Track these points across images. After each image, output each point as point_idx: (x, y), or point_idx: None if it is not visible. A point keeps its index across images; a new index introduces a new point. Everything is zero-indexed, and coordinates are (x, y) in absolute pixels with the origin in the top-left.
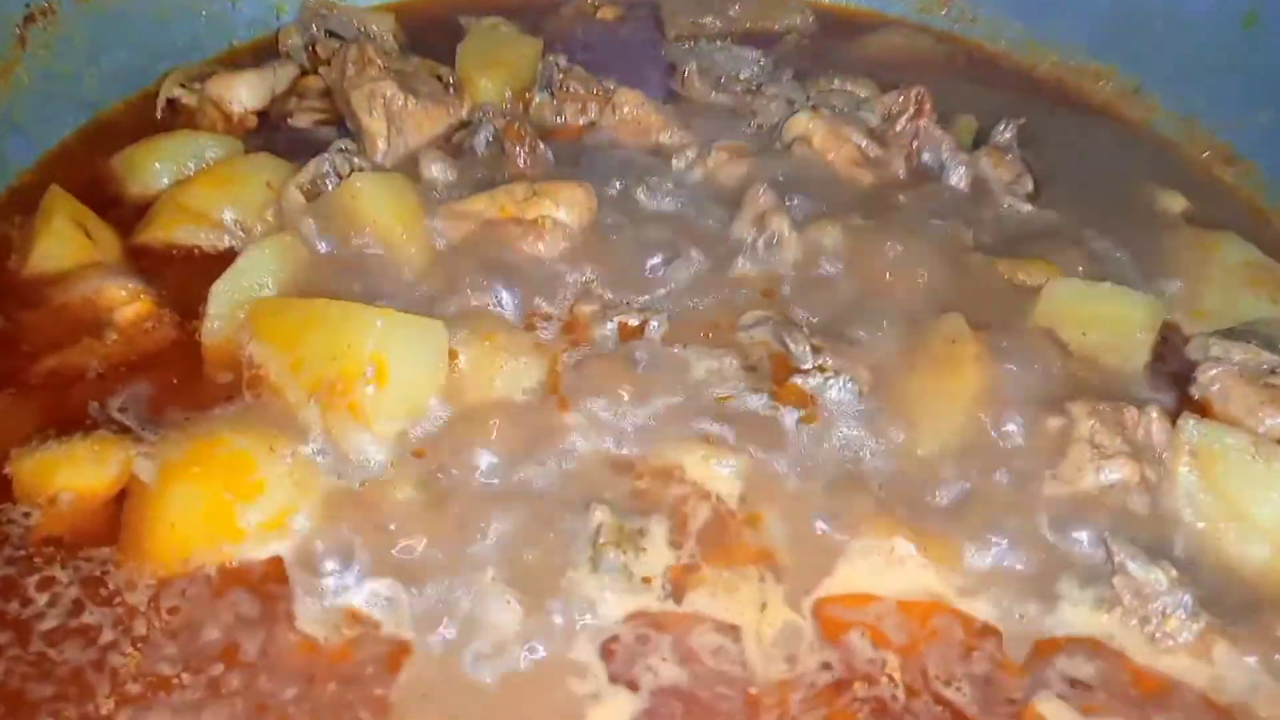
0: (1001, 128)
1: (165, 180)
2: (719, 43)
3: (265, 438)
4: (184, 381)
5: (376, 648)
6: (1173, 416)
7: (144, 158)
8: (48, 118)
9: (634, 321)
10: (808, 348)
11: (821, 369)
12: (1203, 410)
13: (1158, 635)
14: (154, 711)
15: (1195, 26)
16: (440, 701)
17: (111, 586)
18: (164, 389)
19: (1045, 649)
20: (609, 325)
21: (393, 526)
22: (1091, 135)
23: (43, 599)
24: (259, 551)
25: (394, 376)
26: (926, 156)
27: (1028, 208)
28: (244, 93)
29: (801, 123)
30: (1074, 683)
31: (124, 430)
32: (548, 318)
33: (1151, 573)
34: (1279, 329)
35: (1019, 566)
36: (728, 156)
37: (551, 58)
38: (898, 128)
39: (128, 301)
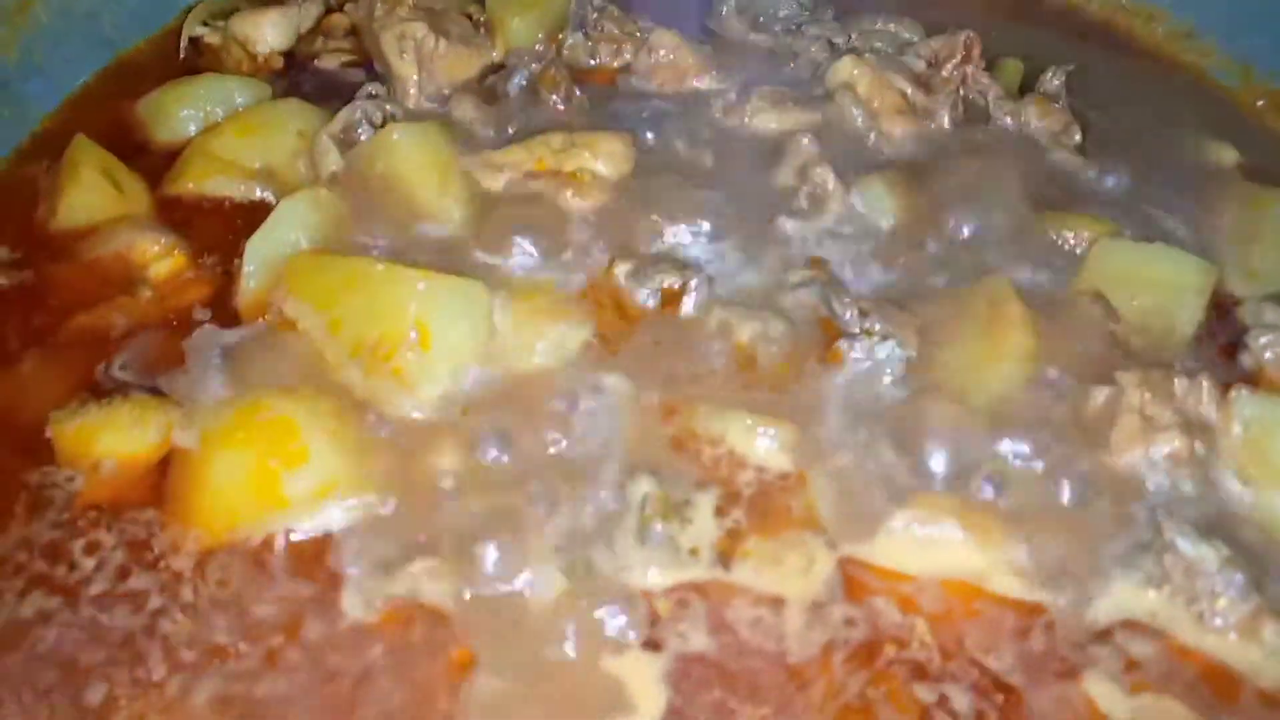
0: (1049, 75)
1: (193, 127)
2: None
3: (305, 400)
4: (226, 344)
5: (421, 615)
6: (1224, 385)
7: (171, 104)
8: (68, 58)
9: (675, 283)
10: (855, 311)
11: (868, 333)
12: (1255, 379)
13: (1206, 615)
14: (207, 677)
15: None
16: (483, 664)
17: (158, 551)
18: (197, 346)
19: (1093, 627)
20: (649, 286)
21: (437, 493)
22: (1142, 81)
23: (90, 563)
24: (305, 520)
25: (436, 340)
26: (973, 105)
27: (1076, 159)
28: (269, 32)
29: (846, 69)
30: (1124, 661)
31: (163, 393)
32: (588, 277)
33: (1202, 550)
34: None
35: (1064, 541)
36: (769, 103)
37: None
38: (944, 73)
39: (161, 257)
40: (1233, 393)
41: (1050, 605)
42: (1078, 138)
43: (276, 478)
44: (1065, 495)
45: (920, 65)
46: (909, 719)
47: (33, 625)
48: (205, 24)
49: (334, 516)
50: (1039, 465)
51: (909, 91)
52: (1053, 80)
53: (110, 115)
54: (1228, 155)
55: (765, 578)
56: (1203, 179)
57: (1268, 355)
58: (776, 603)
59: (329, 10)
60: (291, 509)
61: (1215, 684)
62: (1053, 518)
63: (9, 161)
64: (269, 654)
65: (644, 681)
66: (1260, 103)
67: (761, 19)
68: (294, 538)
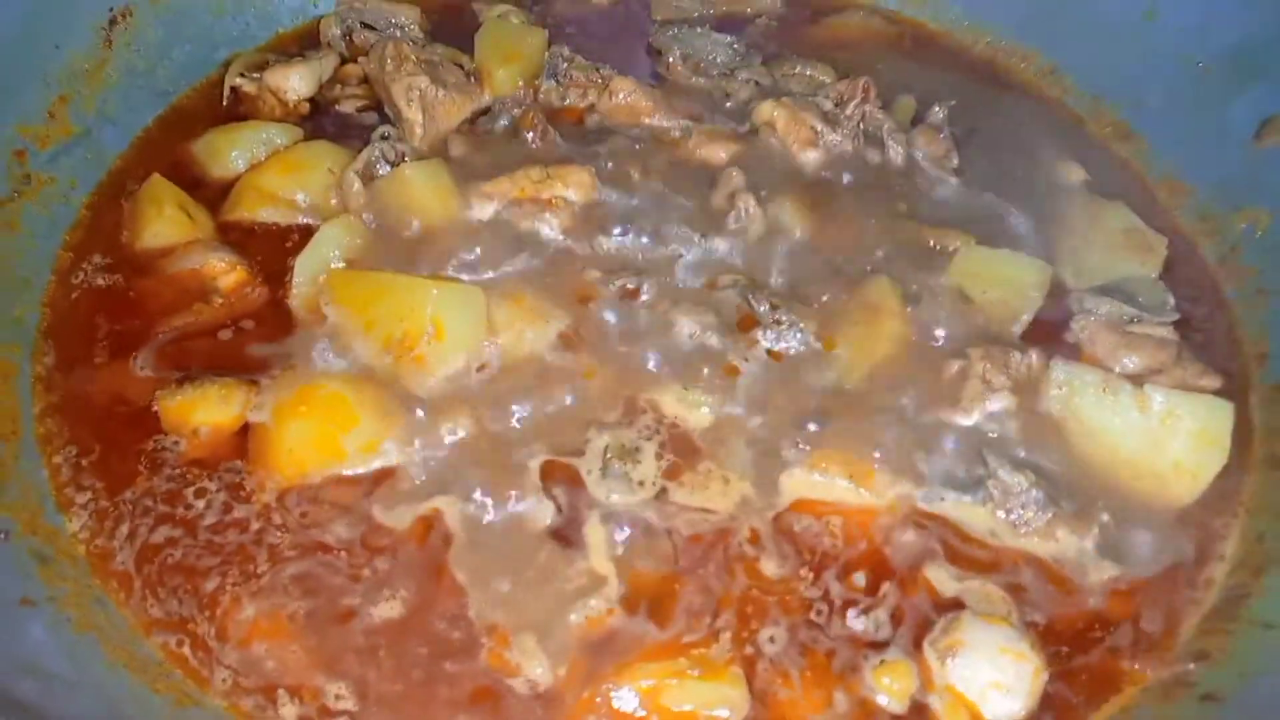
0: (936, 109)
1: (241, 164)
2: (698, 29)
3: (352, 381)
4: (279, 336)
5: (440, 527)
6: (1050, 357)
7: (222, 145)
8: (132, 108)
9: (631, 285)
10: (767, 305)
11: (777, 322)
12: (1075, 353)
13: (1018, 523)
14: (292, 567)
15: (1104, 16)
16: (484, 553)
17: (248, 489)
18: (264, 342)
19: (933, 529)
20: (612, 288)
21: (452, 445)
22: (1014, 111)
23: (201, 504)
24: (359, 467)
25: (448, 334)
26: (870, 137)
27: (953, 180)
28: (297, 83)
29: (767, 110)
30: (953, 556)
31: (240, 377)
32: (563, 280)
33: (1016, 478)
34: (1142, 286)
35: (924, 474)
36: (707, 138)
37: (556, 49)
38: (848, 112)
39: (227, 272)
40: (1052, 362)
41: (908, 521)
42: (955, 162)
43: (336, 437)
44: (925, 439)
45: (829, 104)
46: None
47: (163, 548)
48: (243, 75)
49: (377, 462)
50: (905, 418)
51: (819, 127)
52: (938, 113)
53: (170, 155)
54: (1076, 173)
55: (693, 499)
56: (1055, 193)
57: (1084, 334)
58: (702, 511)
59: (344, 61)
60: (348, 459)
61: (1021, 570)
62: (915, 458)
63: (93, 195)
64: (325, 547)
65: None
66: (1106, 130)
67: (702, 64)
68: (349, 475)
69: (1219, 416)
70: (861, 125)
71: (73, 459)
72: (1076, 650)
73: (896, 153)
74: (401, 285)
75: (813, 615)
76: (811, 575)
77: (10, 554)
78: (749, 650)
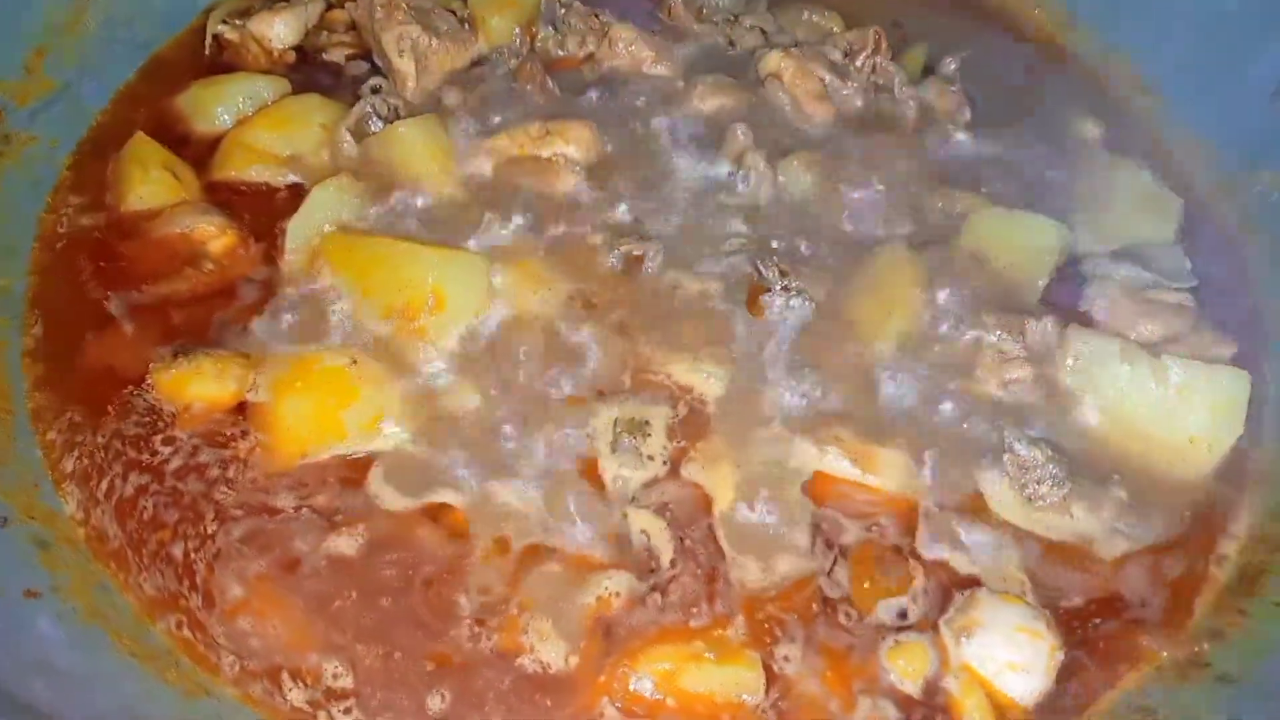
0: (948, 60)
1: (227, 119)
2: None
3: (348, 353)
4: (272, 304)
5: (443, 512)
6: (1065, 325)
7: (207, 100)
8: (113, 60)
9: (637, 250)
10: (776, 271)
11: (786, 289)
12: (1090, 320)
13: (1034, 498)
14: (296, 545)
15: None
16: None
17: (249, 465)
18: (257, 311)
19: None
20: (616, 253)
21: (459, 421)
22: (1028, 61)
23: (198, 482)
24: (362, 445)
25: (450, 303)
26: (881, 90)
27: (964, 136)
28: (282, 30)
29: (774, 61)
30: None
31: (234, 350)
32: (566, 245)
33: (1032, 452)
34: (1159, 250)
35: (939, 448)
36: (711, 90)
37: None
38: (858, 63)
39: (217, 235)
40: (1069, 330)
41: (924, 494)
42: (968, 116)
43: (336, 414)
44: (942, 411)
45: (837, 55)
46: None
47: (160, 527)
48: (225, 22)
49: (379, 440)
50: (919, 390)
51: (827, 79)
52: (950, 65)
53: (154, 109)
54: (1092, 130)
55: (703, 475)
56: (1070, 149)
57: (1100, 300)
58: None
59: (330, 6)
60: (349, 437)
61: (1037, 542)
62: (931, 431)
63: (74, 154)
64: (332, 525)
65: None
66: (1122, 83)
67: (704, 9)
68: (351, 453)
69: (1236, 388)
70: (872, 78)
71: (66, 435)
72: (1091, 628)
73: (908, 106)
74: (400, 253)
75: (828, 595)
76: (827, 557)
77: (10, 542)
78: (764, 634)
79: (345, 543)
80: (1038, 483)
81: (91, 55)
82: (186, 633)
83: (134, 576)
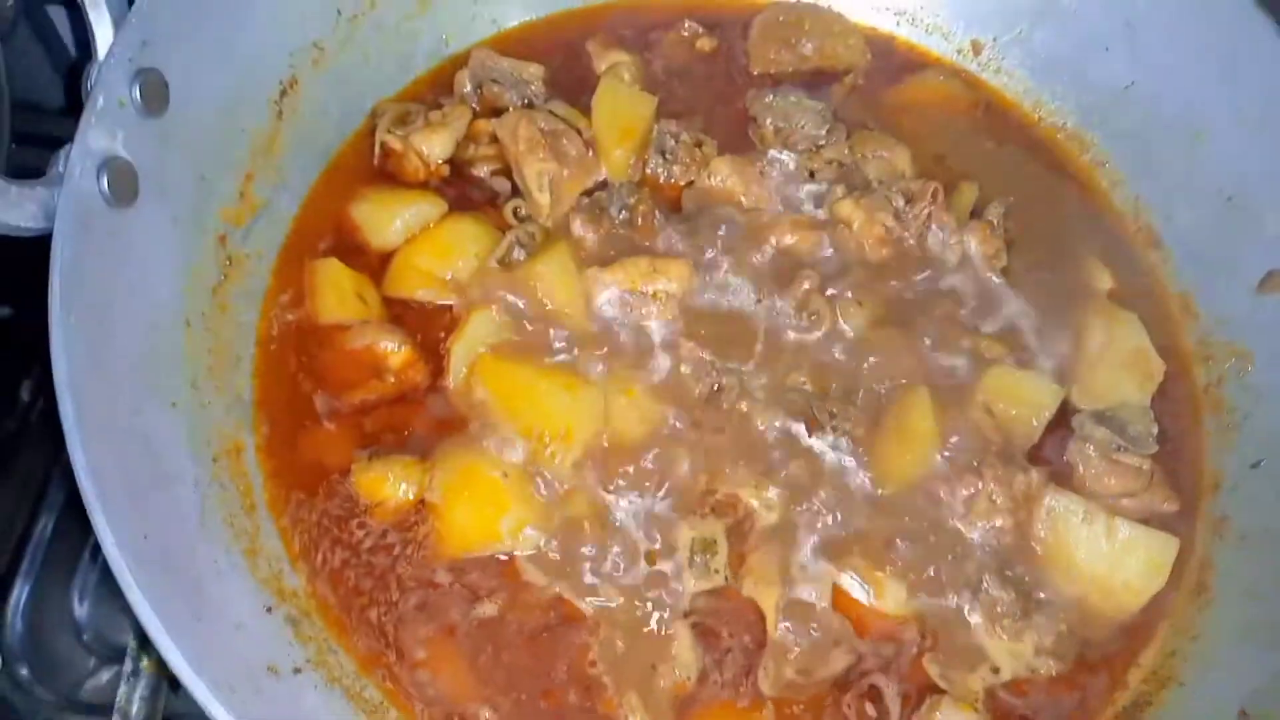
0: (995, 204)
1: (396, 236)
2: (791, 96)
3: (500, 466)
4: (442, 415)
5: (567, 607)
6: (1046, 481)
7: (379, 219)
8: (300, 169)
9: (717, 384)
10: (827, 413)
11: (834, 429)
12: (1068, 470)
13: (998, 629)
14: (461, 622)
15: (1159, 121)
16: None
17: (428, 553)
18: (431, 420)
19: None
20: (702, 385)
21: (580, 528)
22: (1064, 201)
23: (390, 561)
24: (510, 548)
25: (575, 434)
26: (932, 236)
27: (998, 281)
28: (438, 147)
29: (846, 209)
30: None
31: (415, 456)
32: (662, 375)
33: (1002, 592)
34: (1134, 414)
35: (930, 582)
36: (790, 227)
37: (664, 124)
38: (915, 210)
39: (396, 351)
40: (1047, 489)
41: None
42: (1005, 261)
43: (494, 521)
44: (937, 551)
45: (900, 201)
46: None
47: (360, 594)
48: (390, 131)
49: (522, 544)
50: (923, 530)
51: (890, 225)
52: (997, 210)
53: (335, 215)
54: (1105, 280)
55: (756, 590)
56: (1082, 301)
57: (1078, 456)
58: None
59: (475, 115)
60: (503, 540)
61: (993, 666)
62: (923, 568)
63: (277, 261)
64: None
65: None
66: (1138, 233)
67: (792, 137)
68: (501, 554)
69: (1167, 549)
70: (927, 224)
71: (293, 516)
72: None
73: (954, 254)
74: (540, 390)
75: (826, 703)
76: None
77: (274, 625)
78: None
79: (488, 608)
80: (1004, 618)
81: (286, 169)
82: (389, 684)
83: (350, 639)
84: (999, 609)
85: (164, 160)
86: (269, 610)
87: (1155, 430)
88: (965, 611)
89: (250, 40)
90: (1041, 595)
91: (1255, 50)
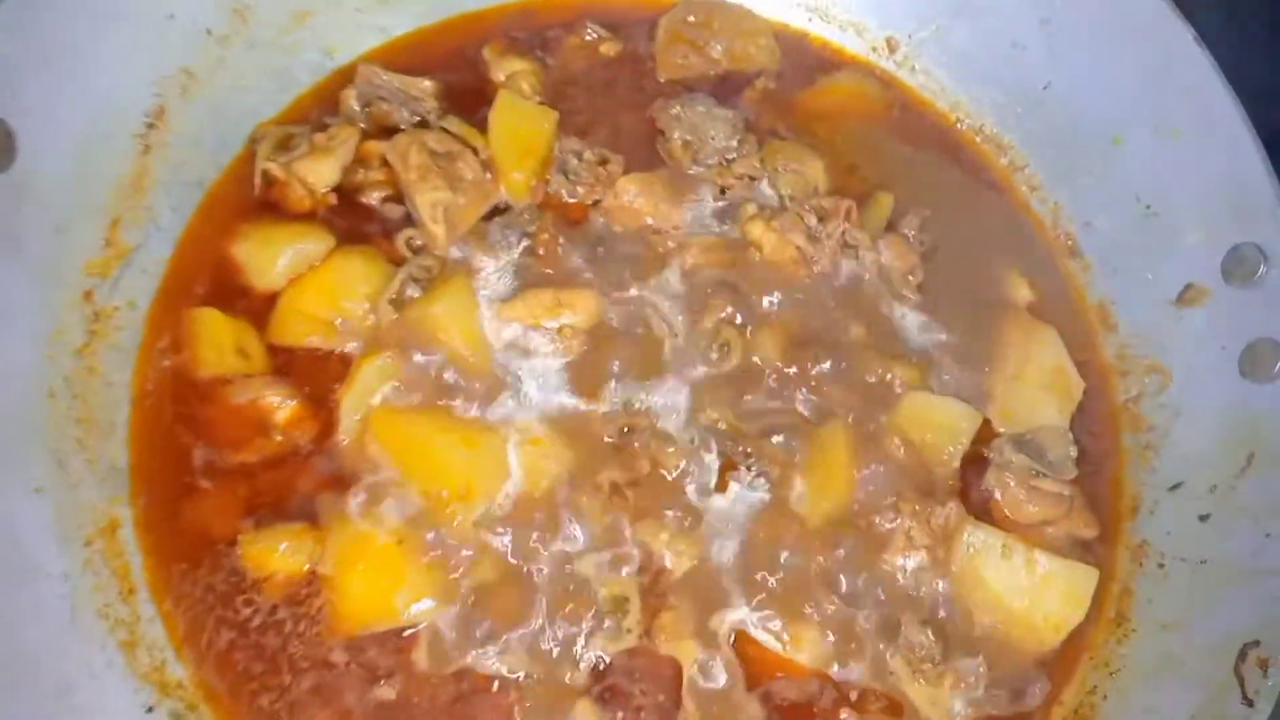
0: (910, 217)
1: (280, 277)
2: (700, 105)
3: (396, 532)
4: (332, 474)
5: (474, 678)
6: (964, 515)
7: (261, 258)
8: (174, 206)
9: (628, 425)
10: (743, 451)
11: (749, 469)
12: (987, 498)
13: (918, 673)
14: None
15: (1076, 125)
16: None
17: (319, 632)
18: (320, 481)
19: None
20: (611, 429)
21: (480, 592)
22: (982, 207)
23: (281, 642)
24: (407, 622)
25: (476, 491)
26: (846, 255)
27: (913, 299)
28: (325, 174)
29: (757, 230)
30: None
31: (304, 523)
32: (570, 419)
33: (920, 636)
34: (1052, 438)
35: (847, 627)
36: (699, 250)
37: (566, 143)
38: (829, 229)
39: (281, 407)
40: (965, 524)
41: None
42: (920, 277)
43: (390, 595)
44: (856, 588)
45: (813, 220)
46: None
47: (251, 680)
48: (269, 159)
49: (417, 613)
50: (838, 572)
51: (802, 244)
52: (912, 223)
53: (211, 258)
54: (1024, 293)
55: (671, 646)
56: (999, 316)
57: (995, 486)
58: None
59: (364, 136)
60: (400, 615)
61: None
62: (838, 613)
63: (150, 310)
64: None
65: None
66: (1059, 240)
67: (701, 152)
68: (401, 630)
69: (1087, 581)
70: (841, 241)
71: (175, 594)
72: None
73: (869, 271)
74: (438, 444)
75: None
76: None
77: None
78: None
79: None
80: (922, 661)
81: (156, 208)
82: None
83: None
84: (918, 653)
85: (14, 216)
86: (149, 711)
87: (1074, 454)
88: (886, 657)
89: (106, 73)
90: (960, 631)
91: (1172, 56)
